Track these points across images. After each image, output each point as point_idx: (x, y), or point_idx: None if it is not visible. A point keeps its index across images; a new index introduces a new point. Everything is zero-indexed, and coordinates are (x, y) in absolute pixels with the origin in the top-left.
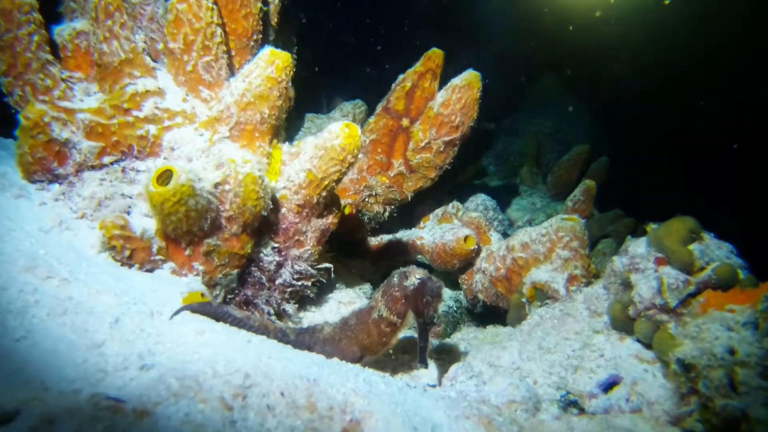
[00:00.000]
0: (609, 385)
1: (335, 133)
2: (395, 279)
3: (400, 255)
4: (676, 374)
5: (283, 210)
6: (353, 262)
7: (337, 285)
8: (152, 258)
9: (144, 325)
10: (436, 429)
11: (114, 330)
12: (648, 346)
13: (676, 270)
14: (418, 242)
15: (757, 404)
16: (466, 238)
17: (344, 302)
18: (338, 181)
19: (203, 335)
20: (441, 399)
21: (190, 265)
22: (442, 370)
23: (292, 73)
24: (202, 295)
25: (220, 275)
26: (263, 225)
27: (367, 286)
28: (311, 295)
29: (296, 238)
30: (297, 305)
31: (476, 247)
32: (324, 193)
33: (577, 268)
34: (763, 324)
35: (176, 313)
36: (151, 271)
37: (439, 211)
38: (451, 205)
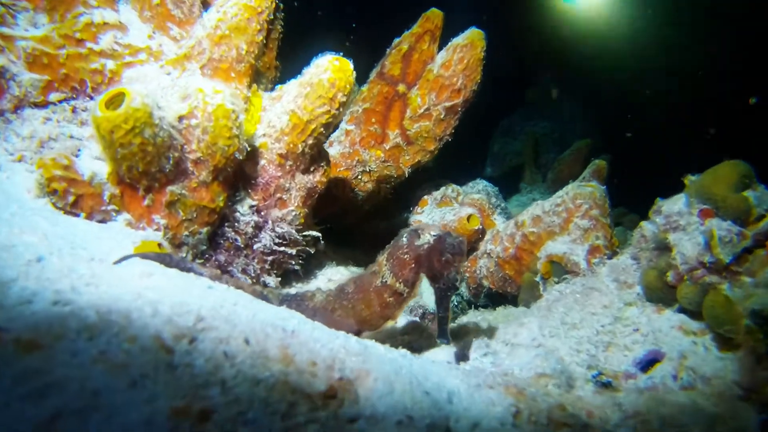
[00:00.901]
0: (648, 363)
1: (323, 66)
2: (404, 239)
3: None
4: (750, 332)
5: (263, 161)
6: (345, 251)
7: (327, 263)
8: (103, 207)
9: (76, 266)
10: (453, 396)
11: (32, 268)
12: (694, 314)
13: (728, 221)
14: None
15: None
16: (469, 218)
17: (335, 280)
18: (328, 126)
19: (151, 278)
20: (455, 369)
21: (150, 218)
22: (455, 351)
23: (274, 5)
24: (160, 245)
25: (187, 233)
26: (239, 177)
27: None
28: (296, 267)
29: (278, 195)
30: (280, 279)
31: (480, 227)
32: (311, 141)
33: (599, 239)
34: None
35: (124, 258)
36: (101, 222)
37: (437, 194)
38: (450, 188)
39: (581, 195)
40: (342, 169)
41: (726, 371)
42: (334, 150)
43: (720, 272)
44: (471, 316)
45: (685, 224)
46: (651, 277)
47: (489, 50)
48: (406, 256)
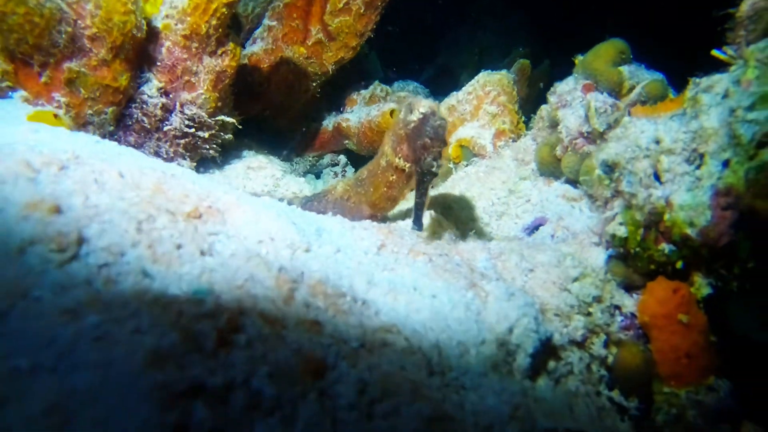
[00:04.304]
0: (535, 228)
1: None
2: (402, 112)
3: (329, 143)
4: (600, 180)
5: (167, 43)
6: (279, 152)
7: (246, 151)
8: None
9: None
10: (323, 231)
11: None
12: (576, 183)
13: (605, 94)
14: (344, 124)
15: (681, 190)
16: (392, 112)
17: (253, 167)
18: (230, 6)
19: (38, 133)
20: (338, 217)
21: (49, 95)
22: None
23: None
24: (56, 116)
25: (90, 112)
26: (144, 58)
27: (280, 162)
28: (212, 153)
29: (186, 78)
30: (195, 164)
31: None
32: (214, 22)
33: (506, 123)
34: (690, 110)
35: None
36: None
37: (366, 93)
38: (379, 88)
39: (490, 82)
40: (265, 66)
41: (591, 226)
42: (256, 47)
43: (596, 141)
44: None
45: (571, 100)
46: (544, 153)
47: None
48: (401, 131)
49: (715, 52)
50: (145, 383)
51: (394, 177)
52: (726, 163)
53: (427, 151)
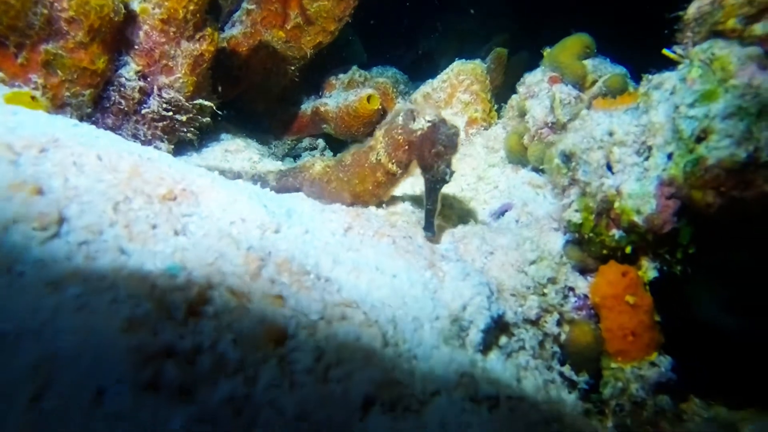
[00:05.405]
0: (501, 214)
1: None
2: (400, 118)
3: (307, 127)
4: (559, 169)
5: (145, 27)
6: (258, 136)
7: (223, 135)
8: None
9: None
10: (293, 213)
11: None
12: (541, 171)
13: (569, 86)
14: (322, 108)
15: (630, 180)
16: (369, 98)
17: (231, 150)
18: None
19: (16, 115)
20: (309, 200)
21: (26, 77)
22: None
23: None
24: (33, 98)
25: (68, 94)
26: (122, 43)
27: (258, 145)
28: (190, 136)
29: (164, 62)
30: (173, 147)
31: (380, 107)
32: (192, 7)
33: (478, 112)
34: (642, 105)
35: None
36: None
37: (344, 77)
38: (358, 73)
39: (464, 71)
40: (244, 49)
41: (552, 212)
42: (235, 30)
43: (560, 131)
44: None
45: (539, 91)
46: (512, 141)
47: None
48: (400, 138)
49: (665, 51)
50: (122, 346)
51: (383, 179)
52: (670, 156)
53: (441, 159)
